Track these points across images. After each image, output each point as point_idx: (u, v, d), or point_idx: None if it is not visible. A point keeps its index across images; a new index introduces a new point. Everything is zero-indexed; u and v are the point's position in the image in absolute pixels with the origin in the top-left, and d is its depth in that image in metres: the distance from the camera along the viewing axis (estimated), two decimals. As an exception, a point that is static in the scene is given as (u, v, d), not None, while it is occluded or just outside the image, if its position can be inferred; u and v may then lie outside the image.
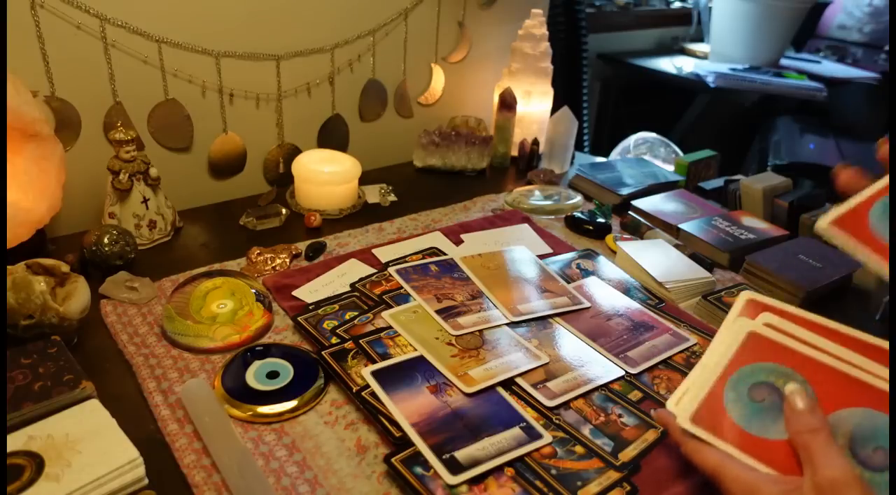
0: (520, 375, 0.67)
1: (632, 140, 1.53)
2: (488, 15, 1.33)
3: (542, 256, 0.92)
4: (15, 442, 0.53)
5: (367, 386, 0.64)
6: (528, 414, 0.62)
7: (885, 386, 0.48)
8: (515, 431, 0.60)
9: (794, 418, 0.48)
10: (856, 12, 2.31)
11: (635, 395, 0.67)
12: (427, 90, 1.31)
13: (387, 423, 0.60)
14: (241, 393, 0.64)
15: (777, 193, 1.06)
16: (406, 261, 0.87)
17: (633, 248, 0.92)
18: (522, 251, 0.92)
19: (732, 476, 0.47)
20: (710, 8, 2.20)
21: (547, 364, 0.69)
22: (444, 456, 0.56)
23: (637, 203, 1.08)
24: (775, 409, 0.50)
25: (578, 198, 1.12)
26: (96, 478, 0.50)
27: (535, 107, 1.31)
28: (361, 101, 1.21)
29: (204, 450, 0.58)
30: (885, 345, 0.51)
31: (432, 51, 1.28)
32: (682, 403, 0.54)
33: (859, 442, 0.47)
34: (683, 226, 1.00)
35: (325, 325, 0.74)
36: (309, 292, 0.82)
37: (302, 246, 0.93)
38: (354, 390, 0.64)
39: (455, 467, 0.55)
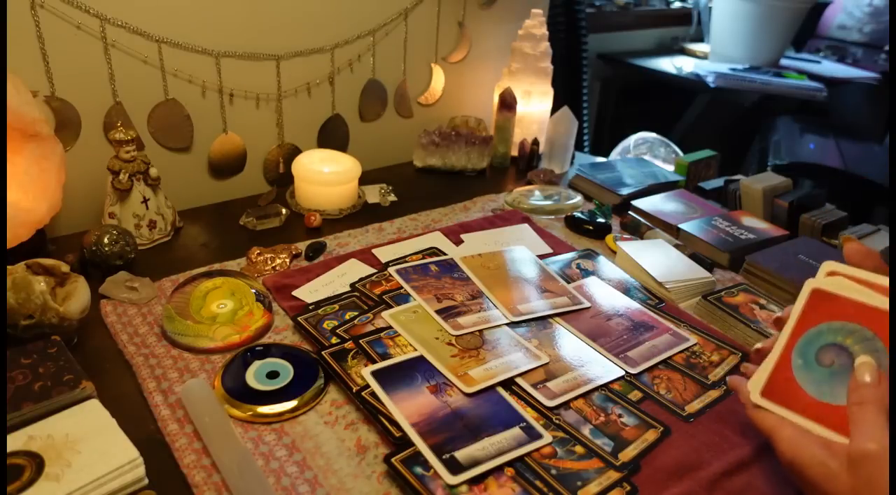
0: (520, 375, 0.67)
1: (632, 140, 1.53)
2: (488, 15, 1.33)
3: (542, 256, 0.92)
4: (15, 442, 0.53)
5: (367, 386, 0.64)
6: (528, 414, 0.62)
7: None
8: (515, 431, 0.60)
9: (853, 390, 0.47)
10: (856, 12, 2.31)
11: (635, 395, 0.67)
12: (427, 90, 1.31)
13: (387, 423, 0.60)
14: (241, 393, 0.64)
15: (777, 193, 1.06)
16: (406, 261, 0.87)
17: (633, 248, 0.92)
18: (522, 251, 0.92)
19: (785, 435, 0.48)
20: (710, 8, 2.20)
21: (547, 364, 0.69)
22: (444, 456, 0.56)
23: (637, 203, 1.08)
24: (845, 373, 0.48)
25: (578, 198, 1.12)
26: (96, 478, 0.50)
27: (535, 107, 1.31)
28: (361, 101, 1.21)
29: (204, 450, 0.58)
30: None
31: (432, 51, 1.28)
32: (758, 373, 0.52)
33: None
34: (683, 226, 1.00)
35: (325, 325, 0.74)
36: (309, 292, 0.82)
37: (302, 246, 0.93)
38: (354, 390, 0.64)
39: (455, 467, 0.55)
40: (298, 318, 0.75)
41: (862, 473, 0.43)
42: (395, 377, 0.65)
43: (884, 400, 0.45)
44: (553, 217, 1.09)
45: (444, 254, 0.90)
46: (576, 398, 0.65)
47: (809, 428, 0.48)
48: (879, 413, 0.45)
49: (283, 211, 1.02)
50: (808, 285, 0.52)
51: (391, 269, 0.85)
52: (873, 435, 0.43)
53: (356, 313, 0.76)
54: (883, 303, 0.48)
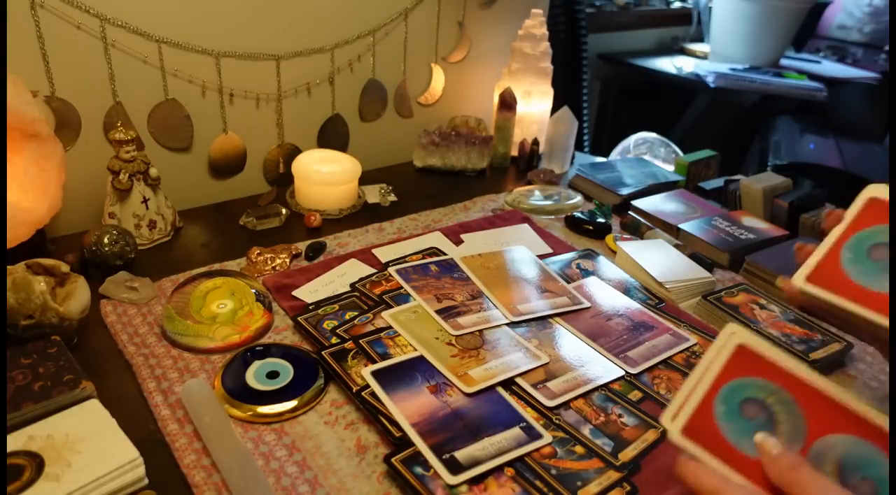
0: (520, 375, 0.67)
1: (632, 140, 1.53)
2: (488, 15, 1.33)
3: (542, 256, 0.92)
4: (15, 442, 0.53)
5: (367, 386, 0.64)
6: (528, 414, 0.62)
7: (874, 417, 0.47)
8: (515, 431, 0.60)
9: (772, 463, 0.46)
10: (856, 12, 2.31)
11: (635, 395, 0.67)
12: (427, 90, 1.31)
13: (387, 423, 0.60)
14: (241, 393, 0.64)
15: (777, 193, 1.06)
16: (406, 261, 0.87)
17: (633, 248, 0.92)
18: (522, 251, 0.92)
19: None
20: (710, 8, 2.20)
21: (547, 364, 0.69)
22: (444, 456, 0.56)
23: (637, 203, 1.08)
24: (767, 428, 0.49)
25: (578, 198, 1.12)
26: (96, 478, 0.50)
27: (535, 107, 1.31)
28: (361, 100, 1.21)
29: (204, 450, 0.58)
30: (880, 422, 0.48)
31: (432, 51, 1.28)
32: (678, 418, 0.52)
33: (848, 471, 0.45)
34: (683, 226, 1.00)
35: (325, 325, 0.74)
36: (309, 292, 0.82)
37: (302, 246, 0.93)
38: (354, 390, 0.64)
39: (455, 467, 0.55)
40: (298, 318, 0.75)
41: None
42: (395, 377, 0.65)
43: (806, 462, 0.45)
44: (553, 217, 1.09)
45: (444, 254, 0.90)
46: (576, 398, 0.65)
47: (727, 475, 0.47)
48: (815, 470, 0.44)
49: (283, 211, 1.02)
50: (735, 339, 0.52)
51: (391, 269, 0.85)
52: (831, 490, 0.42)
53: (356, 313, 0.76)
54: (804, 374, 0.49)
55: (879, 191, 0.54)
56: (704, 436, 0.49)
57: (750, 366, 0.52)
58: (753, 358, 0.52)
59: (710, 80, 1.91)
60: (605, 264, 0.92)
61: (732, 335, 0.53)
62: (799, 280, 0.53)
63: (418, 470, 0.55)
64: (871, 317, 0.50)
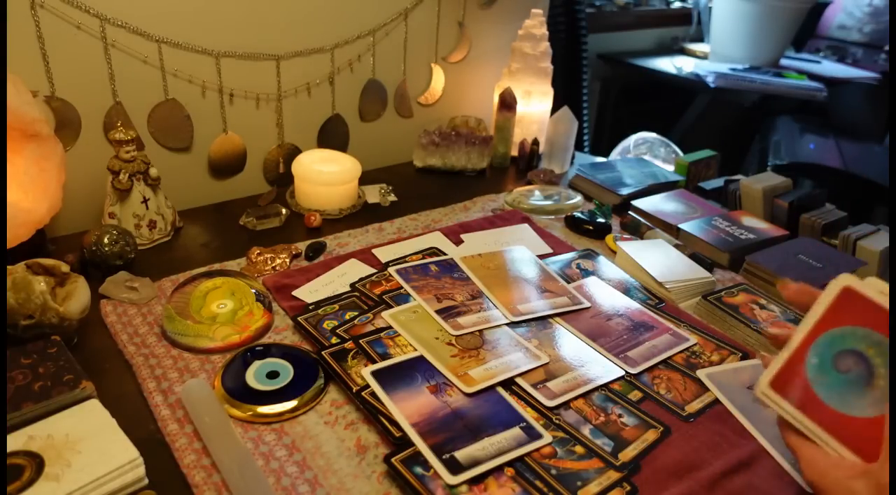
0: (520, 375, 0.67)
1: (632, 140, 1.53)
2: (488, 15, 1.33)
3: (542, 256, 0.92)
4: (15, 442, 0.53)
5: (367, 386, 0.64)
6: (528, 414, 0.62)
7: None
8: (515, 431, 0.60)
9: None
10: (856, 12, 2.31)
11: (635, 395, 0.67)
12: (427, 90, 1.31)
13: (387, 423, 0.60)
14: (241, 393, 0.64)
15: (777, 193, 1.06)
16: (406, 261, 0.87)
17: (633, 248, 0.92)
18: (522, 251, 0.92)
19: (807, 457, 0.46)
20: (710, 8, 2.20)
21: (547, 364, 0.69)
22: (444, 456, 0.56)
23: (637, 203, 1.08)
24: (860, 383, 0.45)
25: (578, 198, 1.12)
26: (96, 478, 0.50)
27: (535, 107, 1.31)
28: (361, 101, 1.21)
29: (204, 450, 0.58)
30: None
31: (432, 51, 1.28)
32: (768, 371, 0.49)
33: None
34: (683, 226, 1.00)
35: (325, 325, 0.74)
36: (309, 292, 0.82)
37: (302, 246, 0.93)
38: (354, 390, 0.64)
39: (455, 467, 0.55)
40: (298, 318, 0.75)
41: None
42: (395, 377, 0.65)
43: None
44: (553, 217, 1.09)
45: (444, 254, 0.90)
46: (576, 398, 0.65)
47: (809, 430, 0.46)
48: None
49: (283, 211, 1.02)
50: (840, 281, 0.47)
51: (391, 269, 0.85)
52: None
53: (356, 313, 0.76)
54: None
55: (854, 282, 0.47)
56: (793, 390, 0.47)
57: (853, 313, 0.47)
58: (859, 302, 0.46)
59: (710, 80, 1.91)
60: (605, 264, 0.92)
61: (839, 279, 0.47)
62: (763, 385, 0.48)
63: (418, 470, 0.55)
64: (824, 439, 0.45)
